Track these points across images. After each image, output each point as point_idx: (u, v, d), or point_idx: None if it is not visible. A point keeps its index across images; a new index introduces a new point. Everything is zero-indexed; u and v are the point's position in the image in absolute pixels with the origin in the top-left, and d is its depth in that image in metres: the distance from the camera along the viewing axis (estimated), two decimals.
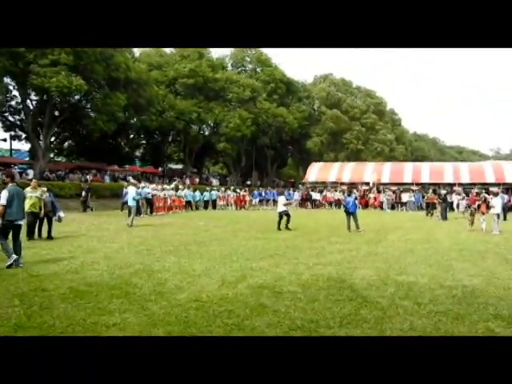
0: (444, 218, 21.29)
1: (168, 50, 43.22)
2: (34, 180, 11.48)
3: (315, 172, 39.06)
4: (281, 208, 15.12)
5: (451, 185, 33.34)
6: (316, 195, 33.66)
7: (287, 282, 6.80)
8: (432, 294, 6.15)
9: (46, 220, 11.80)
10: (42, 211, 11.28)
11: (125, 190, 20.65)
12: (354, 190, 26.54)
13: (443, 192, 26.24)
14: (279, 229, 14.67)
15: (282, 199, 15.51)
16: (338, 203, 31.39)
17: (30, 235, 11.14)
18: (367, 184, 34.76)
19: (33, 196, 10.82)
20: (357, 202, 16.56)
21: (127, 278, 6.92)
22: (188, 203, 26.04)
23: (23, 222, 8.23)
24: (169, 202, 23.77)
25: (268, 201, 32.58)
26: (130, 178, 29.48)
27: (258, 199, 32.23)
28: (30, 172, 28.33)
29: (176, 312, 5.10)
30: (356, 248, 10.78)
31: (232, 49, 47.49)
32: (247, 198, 30.81)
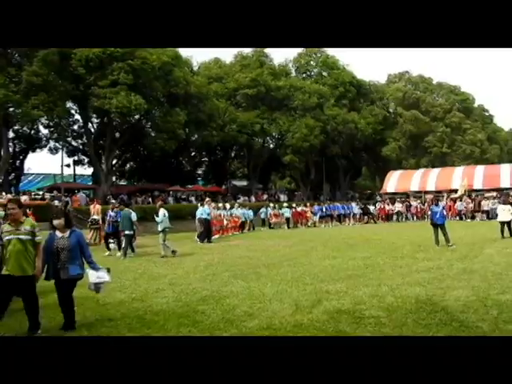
0: None
1: (227, 61, 44.55)
2: (6, 196, 5.16)
3: (394, 181, 37.88)
4: (507, 217, 16.11)
5: None
6: (371, 207, 31.78)
7: (368, 305, 6.60)
8: None
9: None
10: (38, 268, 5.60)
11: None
12: (442, 199, 25.36)
13: None
14: (503, 237, 15.99)
15: (508, 207, 16.37)
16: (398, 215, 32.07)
17: None
18: (456, 191, 33.07)
19: (13, 239, 5.47)
20: (445, 212, 15.88)
21: (194, 305, 7.05)
22: (243, 223, 24.95)
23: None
24: (225, 222, 22.31)
25: (331, 217, 29.24)
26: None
27: (318, 216, 28.64)
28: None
29: None
30: (447, 265, 10.27)
31: (295, 53, 47.97)
32: (309, 215, 29.07)
